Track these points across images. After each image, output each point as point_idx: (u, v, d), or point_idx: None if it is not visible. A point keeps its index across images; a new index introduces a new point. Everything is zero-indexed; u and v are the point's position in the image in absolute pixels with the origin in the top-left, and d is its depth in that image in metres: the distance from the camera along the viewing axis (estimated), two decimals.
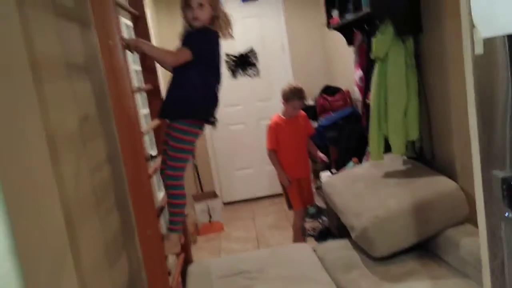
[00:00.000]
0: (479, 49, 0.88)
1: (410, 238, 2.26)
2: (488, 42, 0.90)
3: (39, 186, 1.29)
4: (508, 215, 0.81)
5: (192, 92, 2.01)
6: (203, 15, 2.00)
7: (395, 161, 2.82)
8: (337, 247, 2.59)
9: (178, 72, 2.03)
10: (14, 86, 1.19)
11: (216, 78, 2.11)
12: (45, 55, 1.48)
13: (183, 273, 2.56)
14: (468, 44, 0.97)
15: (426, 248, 2.33)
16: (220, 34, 2.05)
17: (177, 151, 2.02)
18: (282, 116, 3.53)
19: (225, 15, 2.05)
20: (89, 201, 1.71)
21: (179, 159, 2.05)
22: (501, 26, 0.78)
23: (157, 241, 1.92)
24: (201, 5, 1.98)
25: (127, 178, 1.81)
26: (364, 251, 2.37)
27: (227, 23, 2.05)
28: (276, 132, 3.49)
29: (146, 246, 1.89)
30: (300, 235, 3.62)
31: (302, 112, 3.59)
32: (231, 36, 2.08)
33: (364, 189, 2.63)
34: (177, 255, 2.57)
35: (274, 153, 3.50)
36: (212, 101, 2.11)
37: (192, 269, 2.54)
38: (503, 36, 0.85)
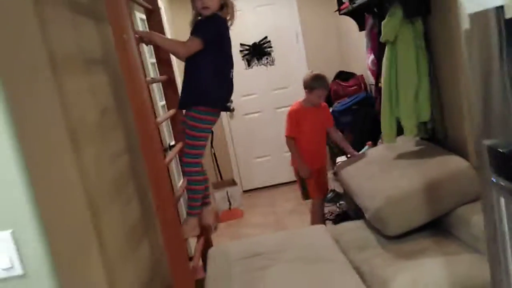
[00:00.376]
0: (467, 24, 0.93)
1: (422, 217, 2.31)
2: (478, 17, 0.94)
3: (63, 177, 1.38)
4: (494, 181, 0.86)
5: (205, 80, 2.06)
6: (212, 4, 2.04)
7: (408, 142, 2.85)
8: (351, 228, 2.65)
9: (191, 61, 2.09)
10: (35, 82, 1.28)
11: (228, 64, 2.15)
12: (64, 50, 1.57)
13: (204, 257, 2.66)
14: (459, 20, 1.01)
15: (439, 226, 2.37)
16: (228, 21, 2.11)
17: (193, 138, 2.10)
18: (304, 105, 3.44)
19: (232, 4, 2.11)
20: (110, 190, 1.80)
21: (196, 147, 2.12)
22: (482, 2, 0.83)
23: (176, 226, 2.00)
24: None
25: (146, 165, 1.90)
26: (378, 231, 2.43)
27: (233, 12, 2.10)
28: (296, 119, 3.41)
29: (166, 231, 1.97)
30: (319, 220, 3.66)
31: (324, 103, 3.52)
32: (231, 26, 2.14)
33: (378, 171, 2.68)
34: (198, 238, 2.66)
35: (293, 141, 3.45)
36: (226, 87, 2.16)
37: (212, 252, 2.64)
38: (493, 9, 0.88)
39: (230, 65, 2.17)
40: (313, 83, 3.33)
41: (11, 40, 1.16)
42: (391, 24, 2.62)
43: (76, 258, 1.35)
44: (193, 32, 2.08)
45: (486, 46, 0.90)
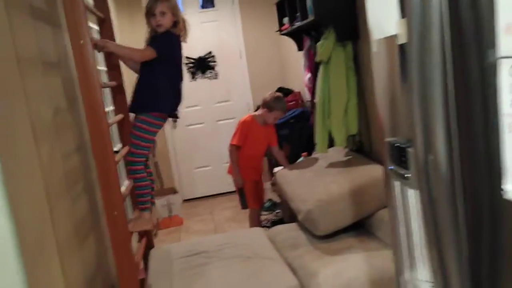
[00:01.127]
0: (374, 48, 1.18)
1: (349, 218, 2.58)
2: (384, 42, 1.19)
3: (28, 165, 1.49)
4: (392, 168, 1.11)
5: (158, 87, 2.27)
6: (165, 21, 2.26)
7: (338, 153, 3.15)
8: (286, 230, 2.88)
9: (145, 70, 2.29)
10: (5, 81, 1.40)
11: (178, 75, 2.38)
12: (25, 52, 1.68)
13: (145, 259, 2.77)
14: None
15: (362, 227, 2.65)
16: (181, 37, 2.32)
17: (141, 139, 2.27)
18: (256, 119, 3.58)
19: (184, 21, 2.32)
20: (62, 185, 1.91)
21: (142, 147, 2.30)
22: (384, 30, 1.08)
23: (124, 223, 2.13)
24: (163, 13, 2.24)
25: (95, 163, 2.02)
26: (309, 231, 2.67)
27: (186, 28, 2.32)
28: (246, 131, 3.54)
29: (113, 226, 2.09)
30: (256, 225, 3.86)
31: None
32: (185, 41, 2.35)
33: (311, 178, 2.94)
34: (140, 239, 2.78)
35: (237, 150, 3.59)
36: (176, 95, 2.39)
37: (153, 252, 2.76)
38: (395, 35, 1.13)
39: (181, 77, 2.39)
40: (275, 104, 3.48)
41: None
42: (326, 46, 2.92)
43: (38, 243, 1.46)
44: (149, 44, 2.29)
45: (390, 65, 1.16)
